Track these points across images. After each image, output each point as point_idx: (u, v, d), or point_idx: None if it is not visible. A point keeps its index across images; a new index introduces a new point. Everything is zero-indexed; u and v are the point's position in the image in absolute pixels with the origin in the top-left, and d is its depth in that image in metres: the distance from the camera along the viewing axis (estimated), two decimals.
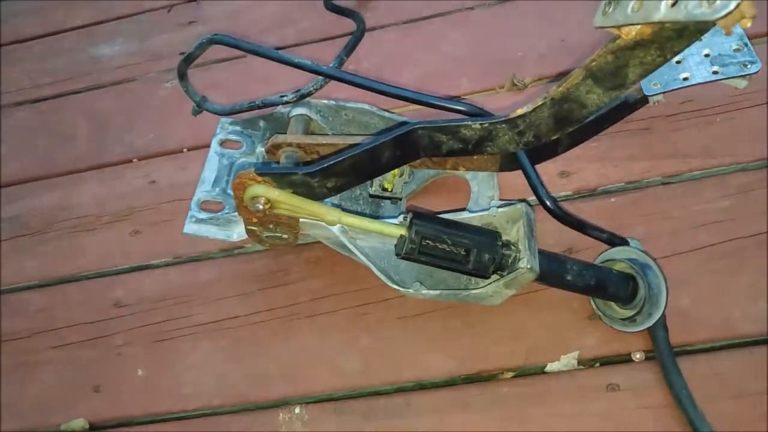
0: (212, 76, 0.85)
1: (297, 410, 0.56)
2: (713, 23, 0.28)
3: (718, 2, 0.26)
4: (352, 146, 0.45)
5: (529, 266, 0.46)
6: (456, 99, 0.72)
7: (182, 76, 0.61)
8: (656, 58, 0.36)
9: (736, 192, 0.60)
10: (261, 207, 0.46)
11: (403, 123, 0.48)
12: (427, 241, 0.47)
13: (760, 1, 0.70)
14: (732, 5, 0.26)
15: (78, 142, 0.83)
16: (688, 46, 0.34)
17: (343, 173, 0.45)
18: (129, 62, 0.91)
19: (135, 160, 0.79)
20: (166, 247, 0.69)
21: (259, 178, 0.46)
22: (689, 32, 0.33)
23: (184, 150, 0.78)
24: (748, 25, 0.27)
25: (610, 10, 0.34)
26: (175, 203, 0.72)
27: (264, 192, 0.45)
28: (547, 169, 0.64)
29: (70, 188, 0.78)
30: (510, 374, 0.55)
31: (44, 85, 0.91)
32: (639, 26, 0.34)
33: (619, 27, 0.34)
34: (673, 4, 0.29)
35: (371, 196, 0.59)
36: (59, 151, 0.82)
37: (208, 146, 0.64)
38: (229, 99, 0.76)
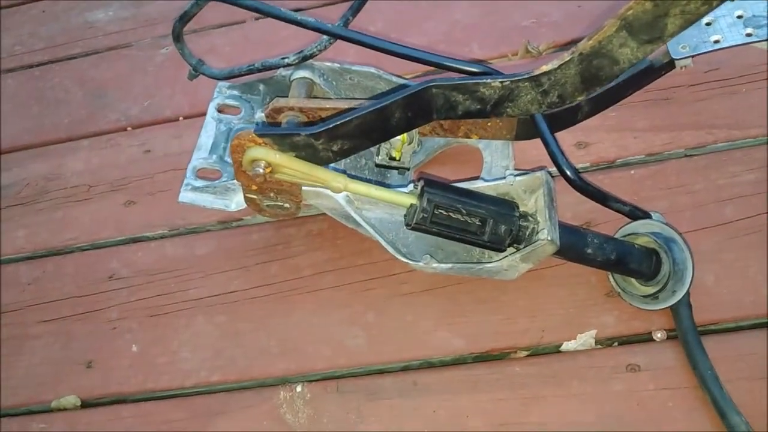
0: (210, 41, 0.82)
1: (299, 388, 0.54)
2: None
3: None
4: (358, 108, 0.42)
5: (549, 238, 0.43)
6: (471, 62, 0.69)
7: (177, 38, 0.58)
8: (700, 6, 0.32)
9: (762, 165, 0.57)
10: (261, 171, 0.42)
11: (408, 85, 0.44)
12: (440, 210, 0.44)
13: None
14: None
15: (72, 109, 0.80)
16: None
17: (349, 135, 0.42)
18: (124, 27, 0.88)
19: (129, 128, 0.76)
20: (161, 218, 0.67)
21: (260, 140, 0.42)
22: None
23: (181, 118, 0.75)
24: None
25: None
26: (171, 173, 0.69)
27: (264, 155, 0.42)
28: (562, 139, 0.60)
29: (63, 157, 0.75)
30: (523, 353, 0.52)
31: (38, 51, 0.88)
32: None
33: None
34: None
35: (377, 165, 0.56)
36: (52, 118, 0.80)
37: (205, 114, 0.61)
38: (227, 65, 0.73)
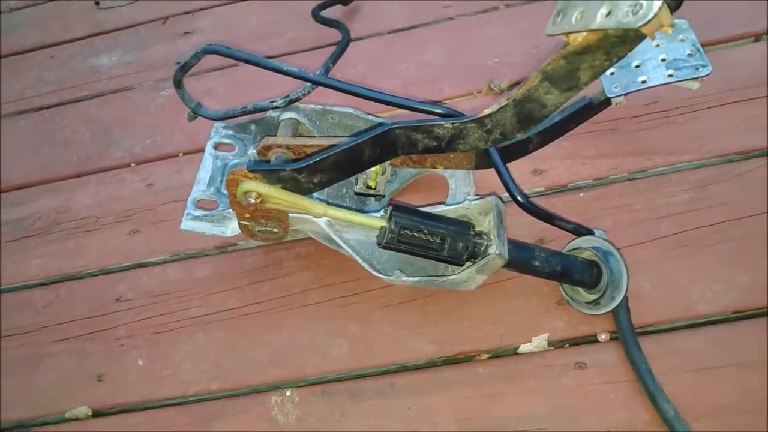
0: (206, 84, 0.89)
1: (288, 393, 0.60)
2: (639, 30, 0.32)
3: (640, 12, 0.31)
4: (335, 145, 0.50)
5: (497, 252, 0.50)
6: (435, 103, 0.77)
7: (178, 84, 0.65)
8: (604, 62, 0.40)
9: (696, 186, 0.65)
10: (253, 201, 0.50)
11: (382, 124, 0.52)
12: (406, 231, 0.51)
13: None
14: (650, 15, 0.30)
15: (80, 148, 0.86)
16: (630, 51, 0.39)
17: (327, 169, 0.50)
18: (127, 71, 0.95)
19: (133, 164, 0.83)
20: (163, 245, 0.73)
21: (251, 175, 0.50)
22: (630, 38, 0.38)
23: (180, 154, 0.82)
24: (669, 32, 0.32)
25: (559, 19, 0.38)
26: (172, 204, 0.76)
27: (255, 187, 0.50)
28: (521, 167, 0.68)
29: (71, 191, 0.81)
30: (485, 356, 0.59)
31: (46, 94, 0.95)
32: (585, 33, 0.38)
33: (567, 34, 0.38)
34: (608, 15, 0.34)
35: (356, 193, 0.63)
36: (61, 156, 0.86)
37: (202, 150, 0.68)
38: (221, 105, 0.81)
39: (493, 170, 0.60)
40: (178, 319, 0.67)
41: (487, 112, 0.46)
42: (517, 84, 0.78)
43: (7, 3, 1.13)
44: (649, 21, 0.31)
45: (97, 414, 0.63)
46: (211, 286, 0.68)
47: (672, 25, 0.30)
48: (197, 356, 0.64)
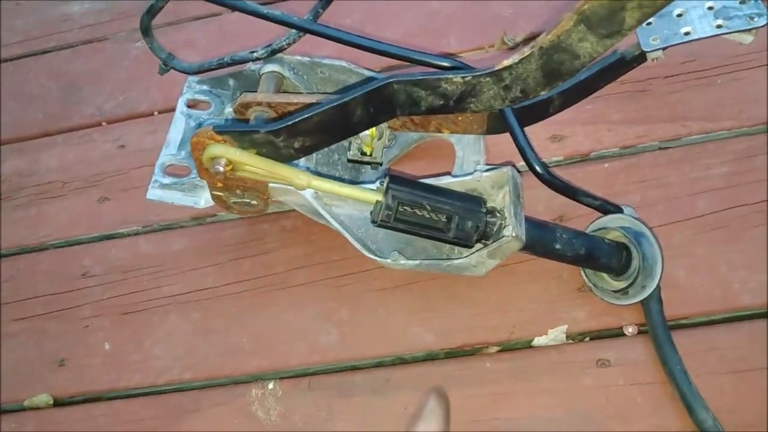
0: (186, 34, 0.81)
1: (270, 386, 0.54)
2: None
3: None
4: (319, 103, 0.41)
5: (514, 234, 0.43)
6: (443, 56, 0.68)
7: (146, 31, 0.57)
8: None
9: (736, 158, 0.57)
10: (221, 169, 0.42)
11: (376, 78, 0.44)
12: (405, 207, 0.43)
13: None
14: None
15: (46, 104, 0.79)
16: None
17: (310, 132, 0.42)
18: (99, 20, 0.87)
19: (104, 123, 0.75)
20: (135, 215, 0.66)
21: (219, 137, 0.42)
22: None
23: (155, 113, 0.74)
24: None
25: None
26: (145, 169, 0.69)
27: (224, 152, 0.41)
28: (537, 133, 0.61)
29: (36, 153, 0.74)
30: (495, 349, 0.52)
31: (11, 44, 0.87)
32: None
33: None
34: None
35: (350, 161, 0.56)
36: (26, 113, 0.79)
37: None
38: (203, 58, 0.72)
39: (507, 136, 0.52)
40: (150, 298, 0.61)
41: (506, 63, 0.38)
42: (534, 37, 0.69)
43: None
44: None
45: (58, 403, 0.58)
46: (187, 262, 0.62)
47: None
48: (170, 340, 0.58)
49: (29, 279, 0.65)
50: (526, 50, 0.37)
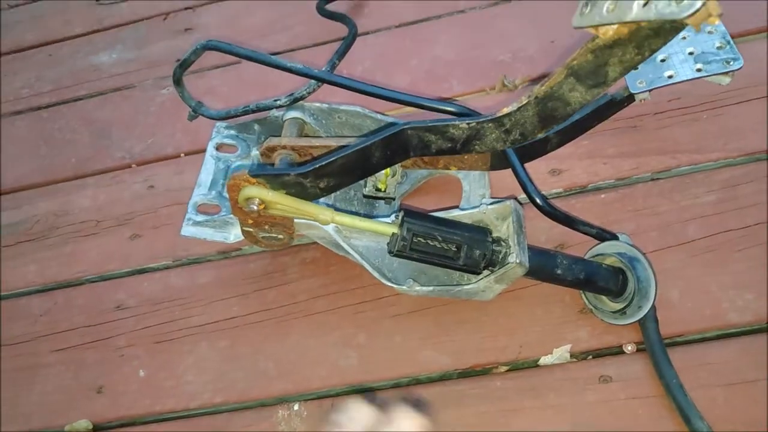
0: (207, 82, 0.87)
1: (296, 407, 0.57)
2: (682, 22, 0.29)
3: (685, 2, 0.28)
4: (343, 147, 0.47)
5: (518, 261, 0.47)
6: (446, 100, 0.74)
7: (177, 82, 0.63)
8: (635, 57, 0.37)
9: (722, 186, 0.61)
10: (255, 208, 0.47)
11: (392, 124, 0.49)
12: (419, 238, 0.48)
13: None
14: (698, 4, 0.27)
15: (78, 149, 0.84)
16: (664, 44, 0.35)
17: (334, 173, 0.47)
18: (127, 69, 0.93)
19: (134, 165, 0.80)
20: (165, 250, 0.70)
21: (253, 180, 0.47)
22: (665, 31, 0.34)
23: (182, 155, 0.79)
24: (717, 22, 0.28)
25: (587, 10, 0.35)
26: (173, 207, 0.74)
27: (258, 193, 0.47)
28: (538, 168, 0.65)
29: (70, 194, 0.79)
30: (504, 368, 0.56)
31: (44, 93, 0.93)
32: (616, 26, 0.35)
33: (596, 27, 0.35)
34: (645, 5, 0.30)
35: (365, 196, 0.61)
36: (60, 157, 0.84)
37: (204, 151, 0.65)
38: (224, 104, 0.78)
39: (509, 170, 0.56)
40: (181, 328, 0.65)
41: (505, 111, 0.43)
42: (533, 81, 0.74)
43: (6, 0, 1.10)
44: (697, 11, 0.27)
45: (97, 428, 0.61)
46: (215, 293, 0.66)
47: (720, 15, 0.27)
48: (200, 367, 0.62)
49: (66, 312, 0.69)
50: (524, 99, 0.42)
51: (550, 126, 0.43)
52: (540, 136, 0.44)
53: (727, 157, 0.63)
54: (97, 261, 0.72)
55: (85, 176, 0.80)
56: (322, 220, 0.48)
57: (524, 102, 0.42)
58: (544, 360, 0.55)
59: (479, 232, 0.49)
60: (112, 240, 0.73)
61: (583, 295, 0.56)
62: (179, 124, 0.82)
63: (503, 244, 0.49)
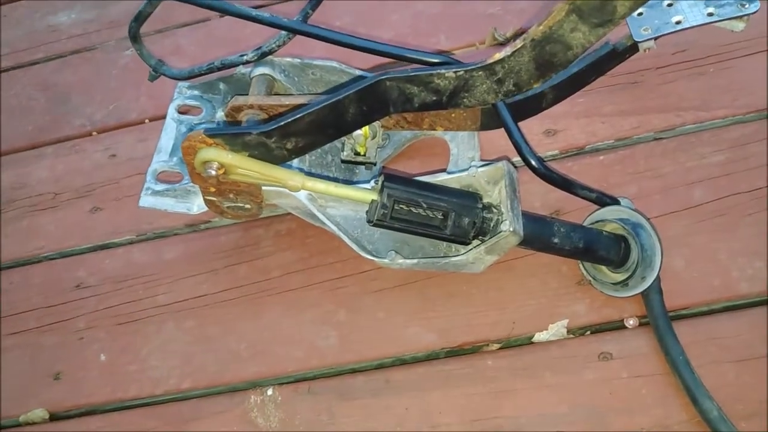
0: (174, 41, 0.81)
1: (269, 392, 0.53)
2: None
3: None
4: (312, 103, 0.41)
5: (511, 229, 0.42)
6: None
7: (134, 38, 0.57)
8: None
9: (731, 146, 0.57)
10: (213, 172, 0.41)
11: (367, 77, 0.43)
12: (401, 205, 0.43)
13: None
14: None
15: (35, 116, 0.78)
16: None
17: (303, 132, 0.41)
18: (87, 30, 0.86)
19: (95, 133, 0.74)
20: (128, 224, 0.65)
21: (210, 141, 0.41)
22: None
23: (146, 121, 0.73)
24: None
25: None
26: (137, 177, 0.68)
27: (216, 156, 0.41)
28: (531, 128, 0.60)
29: (27, 165, 0.74)
30: (495, 346, 0.51)
31: None
32: None
33: None
34: None
35: (343, 161, 0.55)
36: (15, 125, 0.78)
37: None
38: (192, 65, 0.72)
39: (500, 131, 0.51)
40: (145, 308, 0.60)
41: (497, 56, 0.37)
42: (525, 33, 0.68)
43: None
44: None
45: (54, 417, 0.57)
46: (182, 270, 0.61)
47: None
48: (167, 350, 0.57)
49: (22, 292, 0.64)
50: (518, 42, 0.36)
51: (547, 75, 0.38)
52: (536, 87, 0.39)
53: (735, 114, 0.58)
54: (56, 236, 0.67)
55: (42, 145, 0.75)
56: (292, 186, 0.43)
57: (519, 46, 0.36)
58: (539, 336, 0.51)
59: (468, 197, 0.44)
60: (72, 213, 0.68)
61: (581, 265, 0.52)
62: (143, 87, 0.76)
63: (494, 210, 0.44)
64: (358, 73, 0.55)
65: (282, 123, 0.40)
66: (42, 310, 0.62)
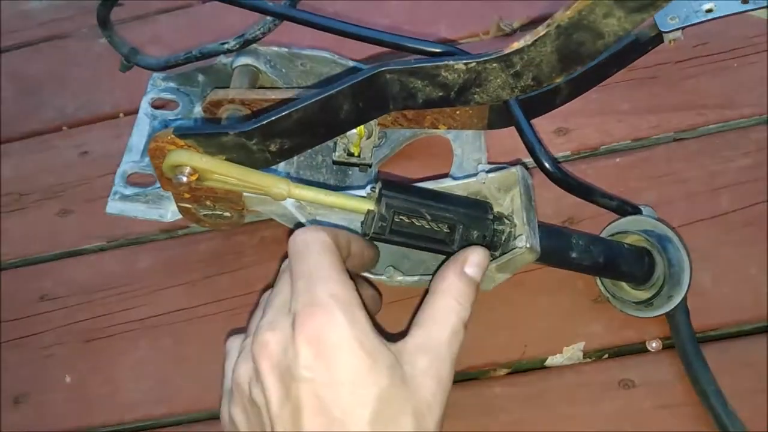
0: (153, 29, 0.75)
1: None
2: None
3: None
4: (300, 98, 0.35)
5: (528, 245, 0.37)
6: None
7: (104, 23, 0.51)
8: None
9: (759, 148, 0.52)
10: (185, 179, 0.36)
11: (364, 69, 0.38)
12: (401, 217, 0.37)
13: None
14: None
15: (2, 108, 0.72)
16: None
17: (289, 132, 0.36)
18: (60, 16, 0.80)
19: (65, 127, 0.69)
20: (99, 228, 0.59)
21: (181, 142, 0.36)
22: None
23: (121, 115, 0.68)
24: None
25: None
26: (110, 177, 0.61)
27: (187, 160, 0.35)
28: (540, 126, 0.55)
29: None
30: (504, 371, 0.46)
31: None
32: None
33: None
34: None
35: (335, 162, 0.50)
36: None
37: None
38: (172, 54, 0.67)
39: (507, 130, 0.46)
40: (117, 323, 0.54)
41: (516, 46, 0.32)
42: (534, 23, 0.63)
43: None
44: None
45: None
46: (158, 281, 0.55)
47: None
48: (140, 371, 0.52)
49: None
50: (541, 29, 0.31)
51: (572, 68, 0.33)
52: (558, 82, 0.34)
53: (762, 113, 0.53)
54: (20, 242, 0.61)
55: (8, 141, 0.69)
56: (276, 194, 0.37)
57: (541, 34, 0.31)
58: (553, 360, 0.46)
59: (477, 207, 0.39)
60: (38, 216, 0.62)
61: (598, 281, 0.47)
62: (119, 79, 0.68)
63: (507, 221, 0.39)
64: (352, 64, 0.49)
65: (264, 122, 0.34)
66: (4, 324, 0.57)
